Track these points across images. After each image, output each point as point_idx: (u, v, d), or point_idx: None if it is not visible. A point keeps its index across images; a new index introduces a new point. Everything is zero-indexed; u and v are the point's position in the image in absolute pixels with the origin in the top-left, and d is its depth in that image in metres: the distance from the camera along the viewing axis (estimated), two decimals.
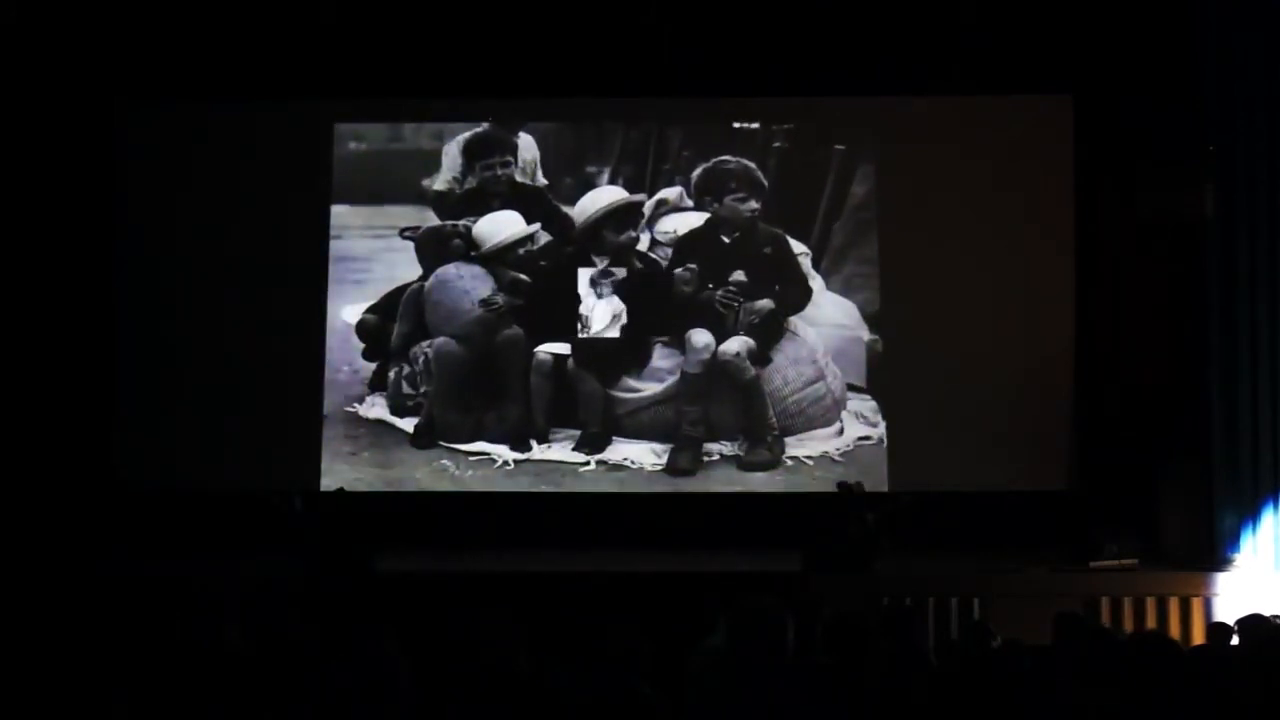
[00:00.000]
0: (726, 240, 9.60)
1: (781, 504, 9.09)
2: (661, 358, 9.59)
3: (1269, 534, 8.08)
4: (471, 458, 9.51)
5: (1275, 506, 8.10)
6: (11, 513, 8.75)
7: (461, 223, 9.64)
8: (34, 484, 8.98)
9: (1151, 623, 7.48)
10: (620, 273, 9.55)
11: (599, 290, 9.54)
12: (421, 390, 9.55)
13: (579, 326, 9.52)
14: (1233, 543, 8.18)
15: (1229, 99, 8.37)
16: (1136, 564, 7.96)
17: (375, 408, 9.58)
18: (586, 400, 9.48)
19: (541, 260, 9.61)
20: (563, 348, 9.51)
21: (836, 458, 9.40)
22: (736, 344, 9.47)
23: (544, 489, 9.43)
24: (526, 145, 9.77)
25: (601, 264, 9.56)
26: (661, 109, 9.72)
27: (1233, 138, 8.37)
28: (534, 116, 9.74)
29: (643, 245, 9.60)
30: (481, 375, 9.56)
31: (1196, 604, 7.58)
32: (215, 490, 9.07)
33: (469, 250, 9.62)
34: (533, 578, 7.76)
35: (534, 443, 9.51)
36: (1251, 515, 8.15)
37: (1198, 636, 7.14)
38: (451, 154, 9.76)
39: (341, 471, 9.36)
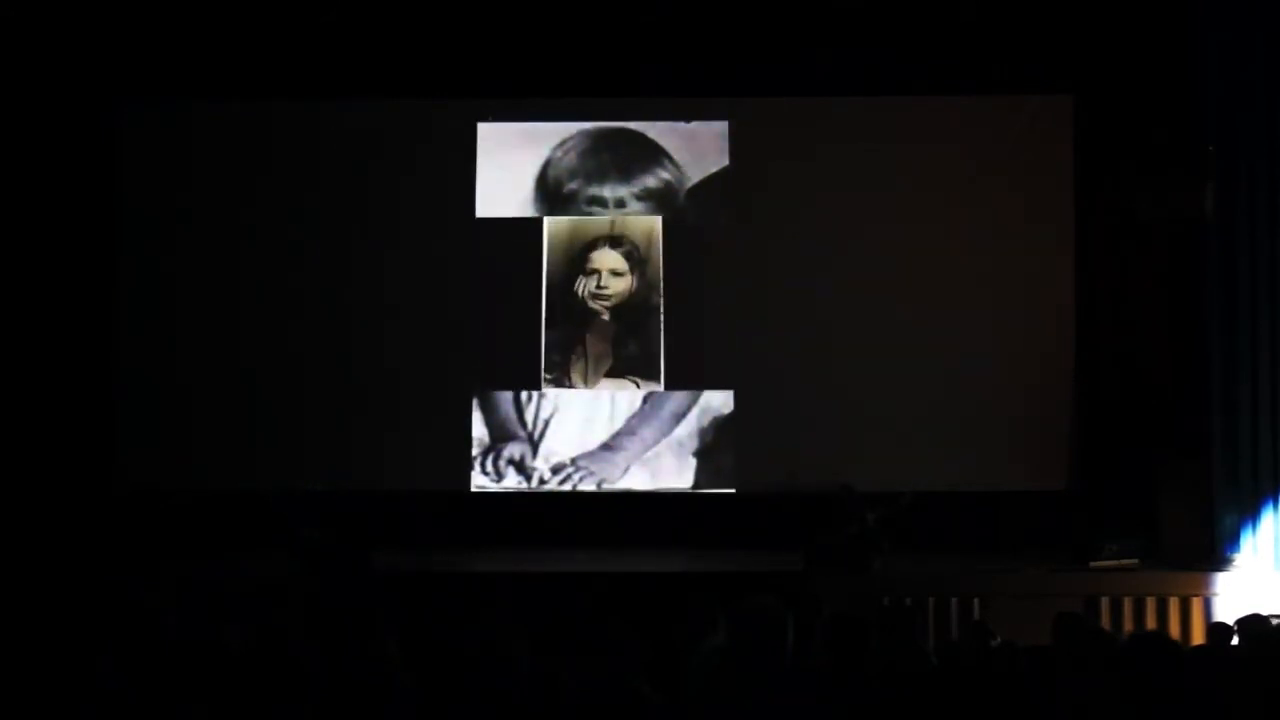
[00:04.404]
0: None
1: (781, 504, 9.08)
2: None
3: (1269, 534, 8.08)
4: None
5: (1275, 506, 8.10)
6: (11, 513, 8.74)
7: None
8: (34, 484, 8.97)
9: (1151, 623, 7.48)
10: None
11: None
12: None
13: None
14: (1233, 543, 8.18)
15: (1229, 99, 8.37)
16: (1136, 564, 7.96)
17: None
18: None
19: None
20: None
21: None
22: None
23: (544, 489, 9.43)
24: None
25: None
26: (661, 109, 9.71)
27: (1233, 138, 8.37)
28: (534, 116, 9.73)
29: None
30: None
31: (1196, 604, 7.58)
32: (215, 490, 9.07)
33: None
34: (533, 578, 7.76)
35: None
36: (1251, 515, 8.15)
37: (1198, 636, 7.15)
38: None
39: None
